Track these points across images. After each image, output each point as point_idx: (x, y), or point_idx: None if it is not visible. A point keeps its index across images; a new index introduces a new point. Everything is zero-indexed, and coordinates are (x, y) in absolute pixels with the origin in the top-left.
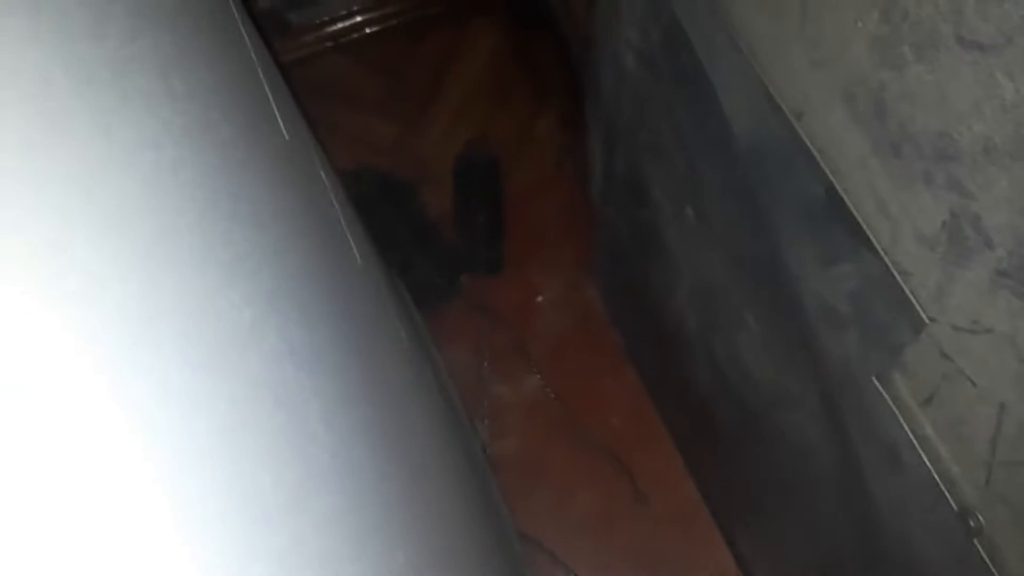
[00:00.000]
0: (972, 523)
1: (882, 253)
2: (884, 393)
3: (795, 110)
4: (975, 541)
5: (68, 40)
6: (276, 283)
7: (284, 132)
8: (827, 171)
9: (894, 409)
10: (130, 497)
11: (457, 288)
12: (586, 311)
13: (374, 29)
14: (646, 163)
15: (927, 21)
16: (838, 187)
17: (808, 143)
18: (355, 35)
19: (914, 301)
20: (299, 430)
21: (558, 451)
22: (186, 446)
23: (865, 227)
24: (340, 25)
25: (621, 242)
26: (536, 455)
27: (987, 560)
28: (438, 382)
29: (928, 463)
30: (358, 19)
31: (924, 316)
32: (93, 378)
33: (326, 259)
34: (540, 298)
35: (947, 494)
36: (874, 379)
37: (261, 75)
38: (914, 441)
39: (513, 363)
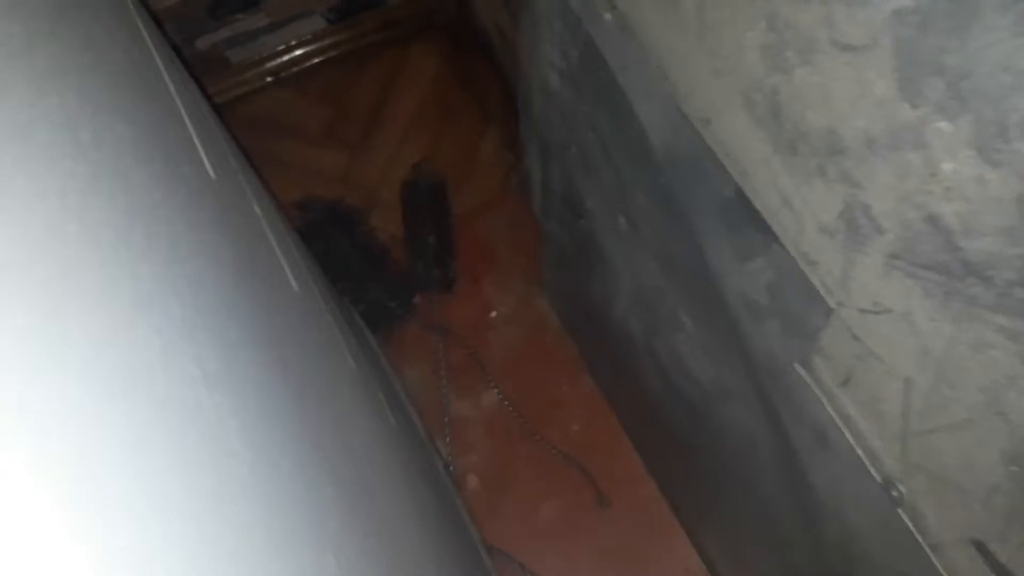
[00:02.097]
0: (895, 493)
1: (789, 246)
2: (807, 378)
3: (702, 117)
4: (899, 510)
5: None
6: (189, 312)
7: (210, 171)
8: (733, 173)
9: (817, 392)
10: (24, 505)
11: (411, 309)
12: (539, 323)
13: (314, 61)
14: (578, 177)
15: (805, 28)
16: (745, 187)
17: (715, 148)
18: (295, 68)
19: (821, 288)
20: (214, 445)
21: (521, 462)
22: (86, 459)
23: (772, 223)
24: (280, 60)
25: (565, 254)
26: (500, 468)
27: (912, 527)
28: (392, 402)
29: (852, 440)
30: (297, 52)
31: (831, 302)
32: None
33: (253, 288)
34: (494, 313)
35: (871, 468)
36: (797, 365)
37: (185, 119)
38: (837, 421)
39: (471, 379)
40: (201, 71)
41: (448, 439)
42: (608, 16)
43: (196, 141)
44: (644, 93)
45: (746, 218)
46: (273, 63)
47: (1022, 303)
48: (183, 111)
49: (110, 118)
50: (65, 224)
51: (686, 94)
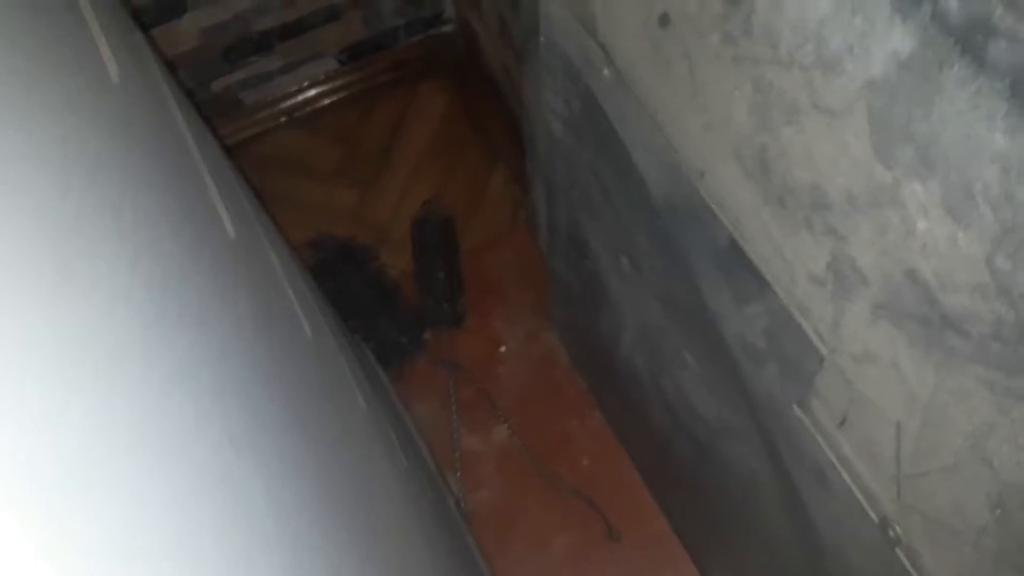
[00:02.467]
0: (892, 533)
1: (782, 293)
2: (805, 420)
3: (697, 169)
4: (896, 550)
5: (35, 202)
6: (218, 378)
7: (231, 230)
8: (727, 223)
9: (815, 434)
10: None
11: (421, 345)
12: (548, 357)
13: (326, 101)
14: (583, 218)
15: (789, 91)
16: (738, 236)
17: (709, 199)
18: (308, 108)
19: (813, 336)
20: (242, 505)
21: (531, 498)
22: (135, 527)
23: (764, 271)
24: (293, 100)
25: (572, 291)
26: (510, 504)
27: (909, 567)
28: (404, 441)
29: (850, 481)
30: (310, 93)
31: (824, 349)
32: (53, 484)
33: (271, 343)
34: (503, 348)
35: (868, 509)
36: (795, 407)
37: (207, 179)
38: (835, 462)
39: (481, 414)
40: (215, 113)
41: (459, 475)
42: (606, 72)
43: (217, 202)
44: (642, 144)
45: (741, 265)
46: (286, 104)
47: (998, 355)
48: (205, 172)
49: (147, 195)
50: (115, 305)
51: (680, 147)
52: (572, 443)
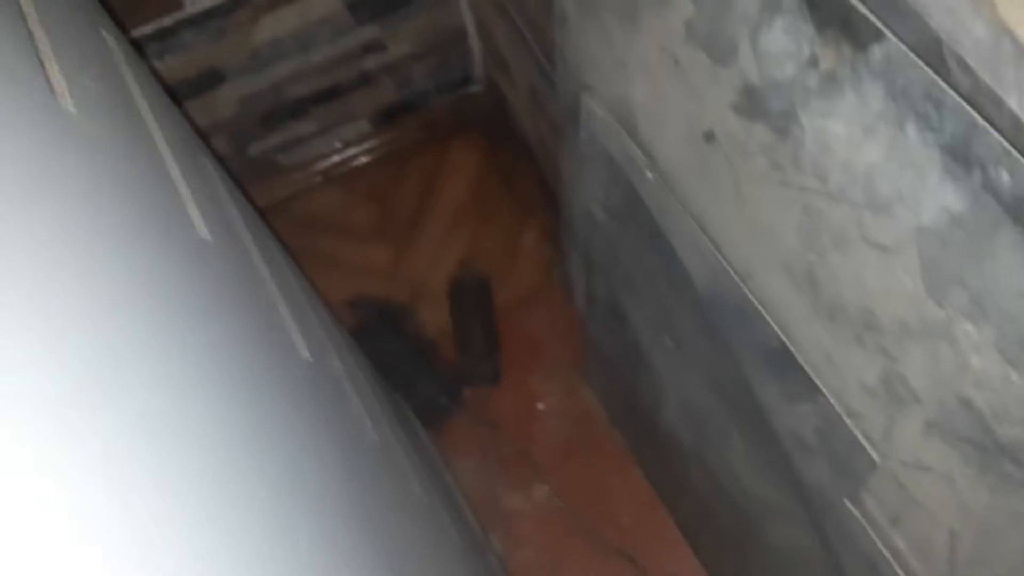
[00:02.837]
0: None
1: (833, 398)
2: (856, 513)
3: (743, 272)
4: None
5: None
6: (312, 537)
7: (307, 354)
8: (775, 326)
9: (866, 527)
10: None
11: (460, 403)
12: (586, 414)
13: (361, 162)
14: (623, 294)
15: (838, 222)
16: (787, 340)
17: (756, 301)
18: (343, 169)
19: (864, 441)
20: None
21: (574, 557)
22: None
23: (814, 376)
24: (328, 162)
25: (610, 355)
26: (552, 563)
27: None
28: (452, 512)
29: (903, 574)
30: (345, 154)
31: (875, 454)
32: None
33: (337, 459)
34: (541, 405)
35: None
36: (846, 500)
37: (280, 302)
38: (888, 555)
39: (521, 472)
40: (252, 175)
41: (501, 533)
42: (649, 174)
43: (291, 325)
44: (686, 240)
45: (790, 366)
46: (321, 165)
47: None
48: (277, 292)
49: (225, 325)
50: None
51: (726, 251)
52: (613, 501)
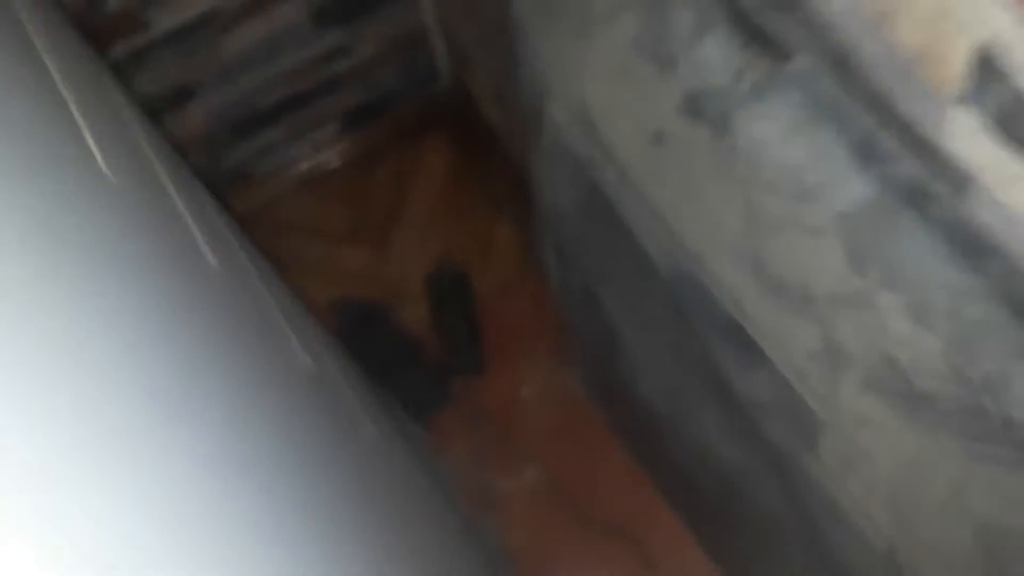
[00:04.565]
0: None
1: (781, 366)
2: (814, 466)
3: (697, 257)
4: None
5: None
6: (322, 547)
7: (309, 361)
8: (726, 303)
9: (824, 478)
10: None
11: (447, 395)
12: (569, 396)
13: (334, 164)
14: (595, 281)
15: (773, 210)
16: (737, 315)
17: (708, 281)
18: (316, 172)
19: (812, 402)
20: None
21: (567, 535)
22: None
23: (764, 346)
24: (302, 166)
25: (587, 338)
26: (547, 542)
27: None
28: (444, 491)
29: (858, 515)
30: (318, 158)
31: (823, 413)
32: None
33: (336, 469)
34: (525, 390)
35: (874, 540)
36: (805, 456)
37: (282, 319)
38: (844, 502)
39: (510, 456)
40: (228, 185)
41: (494, 518)
42: (609, 172)
43: (291, 336)
44: (646, 229)
45: (744, 339)
46: (295, 170)
47: (961, 425)
48: (280, 312)
49: (230, 359)
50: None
51: (681, 237)
52: (601, 478)
